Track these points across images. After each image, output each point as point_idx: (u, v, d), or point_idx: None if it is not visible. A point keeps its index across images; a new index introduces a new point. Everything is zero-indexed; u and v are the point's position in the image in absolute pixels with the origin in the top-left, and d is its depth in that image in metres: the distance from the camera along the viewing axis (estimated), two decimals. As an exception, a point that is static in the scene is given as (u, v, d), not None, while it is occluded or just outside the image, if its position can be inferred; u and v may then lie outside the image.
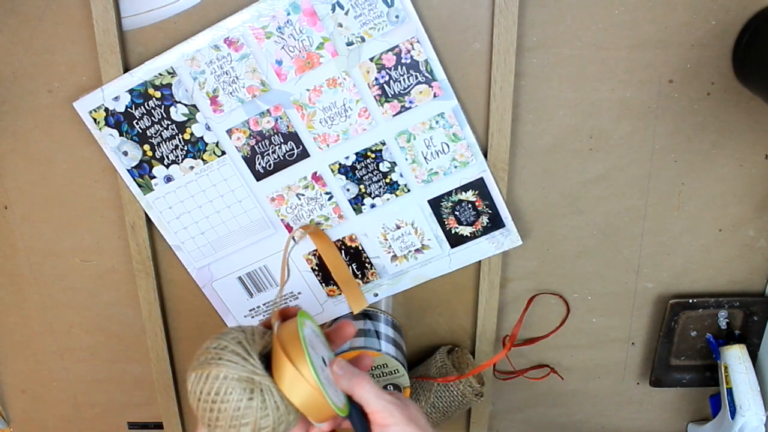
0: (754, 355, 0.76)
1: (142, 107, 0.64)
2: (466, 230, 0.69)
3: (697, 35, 0.63)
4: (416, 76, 0.62)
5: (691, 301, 0.75)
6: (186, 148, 0.66)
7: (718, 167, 0.69)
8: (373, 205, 0.68)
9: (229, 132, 0.65)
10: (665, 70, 0.65)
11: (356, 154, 0.66)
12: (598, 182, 0.70)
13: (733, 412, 0.73)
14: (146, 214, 0.69)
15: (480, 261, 0.72)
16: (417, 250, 0.71)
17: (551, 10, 0.62)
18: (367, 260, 0.71)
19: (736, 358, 0.74)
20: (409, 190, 0.68)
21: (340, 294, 0.73)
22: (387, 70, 0.62)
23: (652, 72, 0.65)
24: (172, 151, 0.66)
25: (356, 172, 0.67)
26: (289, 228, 0.69)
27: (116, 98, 0.64)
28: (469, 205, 0.68)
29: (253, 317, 0.75)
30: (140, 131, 0.65)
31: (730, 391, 0.74)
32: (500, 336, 0.79)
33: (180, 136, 0.65)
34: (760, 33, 0.61)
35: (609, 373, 0.82)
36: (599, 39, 0.63)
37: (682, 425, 0.86)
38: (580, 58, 0.64)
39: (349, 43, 0.61)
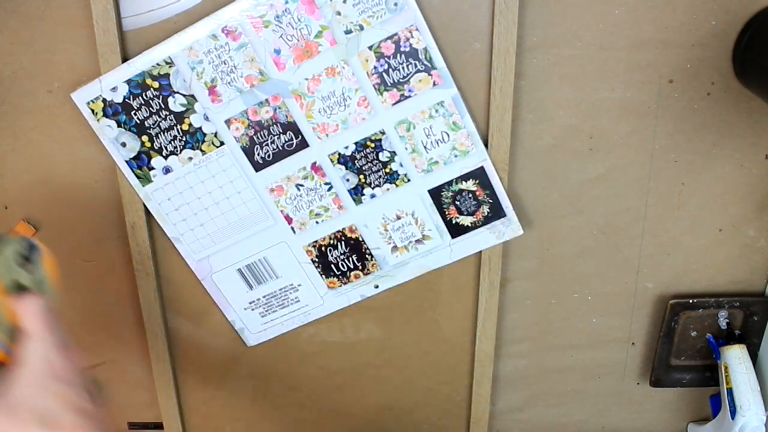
0: (754, 355, 0.76)
1: (140, 98, 0.64)
2: (466, 220, 0.69)
3: (697, 35, 0.63)
4: (415, 64, 0.62)
5: (691, 301, 0.74)
6: (184, 139, 0.66)
7: (718, 167, 0.69)
8: (372, 196, 0.68)
9: (228, 122, 0.65)
10: (665, 70, 0.65)
11: (355, 143, 0.66)
12: (598, 182, 0.70)
13: (733, 412, 0.73)
14: (146, 210, 0.69)
15: (480, 261, 0.72)
16: (417, 241, 0.71)
17: (551, 10, 0.62)
18: (368, 251, 0.71)
19: (736, 358, 0.74)
20: (409, 180, 0.68)
21: (340, 286, 0.73)
22: (386, 59, 0.62)
23: (652, 72, 0.65)
24: (170, 142, 0.66)
25: (356, 162, 0.67)
26: (288, 219, 0.69)
27: (114, 89, 0.64)
28: (470, 195, 0.68)
29: (253, 309, 0.75)
30: (138, 122, 0.65)
31: (730, 391, 0.74)
32: (500, 336, 0.79)
33: (178, 127, 0.65)
34: (760, 33, 0.61)
35: (609, 373, 0.82)
36: (599, 39, 0.63)
37: (682, 425, 0.86)
38: (580, 58, 0.64)
39: (348, 32, 0.61)
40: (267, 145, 0.66)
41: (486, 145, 0.66)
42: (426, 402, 0.83)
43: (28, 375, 0.48)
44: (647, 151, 0.68)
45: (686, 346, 0.78)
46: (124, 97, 0.64)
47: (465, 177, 0.67)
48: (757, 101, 0.65)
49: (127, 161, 0.67)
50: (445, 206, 0.69)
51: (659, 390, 0.82)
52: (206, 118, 0.65)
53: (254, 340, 0.78)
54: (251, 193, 0.68)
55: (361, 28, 0.61)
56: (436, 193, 0.68)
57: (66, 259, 0.75)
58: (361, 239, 0.71)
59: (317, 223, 0.70)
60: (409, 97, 0.64)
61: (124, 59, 0.63)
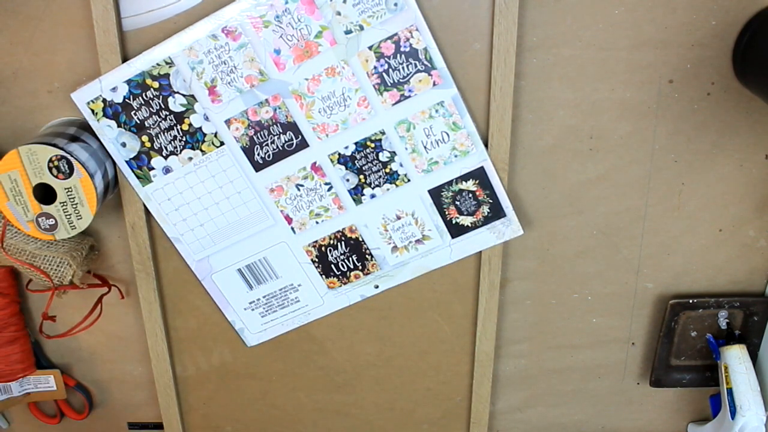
0: (754, 355, 0.76)
1: (140, 98, 0.64)
2: (466, 220, 0.69)
3: (697, 35, 0.63)
4: (415, 64, 0.62)
5: (691, 301, 0.75)
6: (184, 139, 0.66)
7: (718, 167, 0.69)
8: (373, 196, 0.68)
9: (228, 122, 0.65)
10: (665, 70, 0.65)
11: (355, 143, 0.66)
12: (598, 182, 0.70)
13: (733, 412, 0.73)
14: (146, 211, 0.69)
15: (480, 261, 0.72)
16: (417, 241, 0.71)
17: (551, 10, 0.62)
18: (368, 251, 0.71)
19: (736, 358, 0.74)
20: (409, 180, 0.68)
21: (340, 286, 0.73)
22: (386, 59, 0.62)
23: (652, 72, 0.65)
24: (170, 142, 0.66)
25: (356, 162, 0.67)
26: (288, 219, 0.69)
27: (114, 89, 0.64)
28: (470, 195, 0.68)
29: (253, 310, 0.75)
30: (138, 122, 0.65)
31: (730, 391, 0.74)
32: (500, 336, 0.79)
33: (178, 127, 0.65)
34: (760, 33, 0.61)
35: (609, 373, 0.82)
36: (599, 39, 0.63)
37: (682, 425, 0.86)
38: (580, 58, 0.64)
39: (348, 32, 0.61)
40: (267, 145, 0.66)
41: (486, 145, 0.66)
42: (426, 402, 0.83)
43: None
44: (647, 151, 0.69)
45: (686, 346, 0.78)
46: (124, 97, 0.64)
47: (465, 177, 0.67)
48: (757, 101, 0.65)
49: (127, 161, 0.67)
50: (445, 206, 0.69)
51: (659, 390, 0.82)
52: (206, 118, 0.65)
53: (254, 340, 0.78)
54: (251, 193, 0.68)
55: (361, 28, 0.61)
56: (436, 193, 0.68)
57: (66, 259, 0.75)
58: (361, 239, 0.71)
59: (317, 223, 0.70)
60: (409, 97, 0.64)
61: (124, 59, 0.63)
